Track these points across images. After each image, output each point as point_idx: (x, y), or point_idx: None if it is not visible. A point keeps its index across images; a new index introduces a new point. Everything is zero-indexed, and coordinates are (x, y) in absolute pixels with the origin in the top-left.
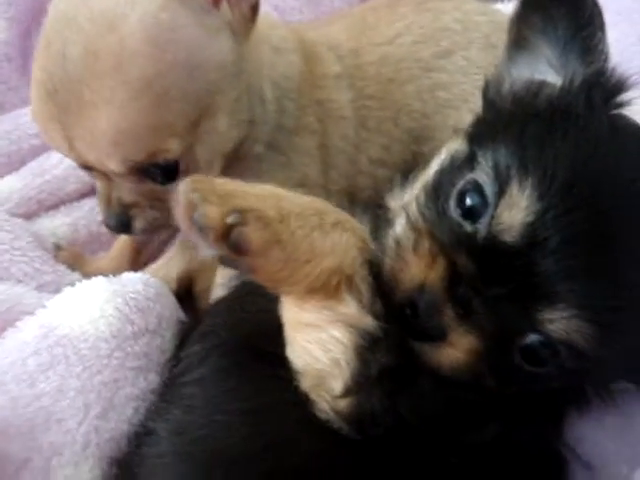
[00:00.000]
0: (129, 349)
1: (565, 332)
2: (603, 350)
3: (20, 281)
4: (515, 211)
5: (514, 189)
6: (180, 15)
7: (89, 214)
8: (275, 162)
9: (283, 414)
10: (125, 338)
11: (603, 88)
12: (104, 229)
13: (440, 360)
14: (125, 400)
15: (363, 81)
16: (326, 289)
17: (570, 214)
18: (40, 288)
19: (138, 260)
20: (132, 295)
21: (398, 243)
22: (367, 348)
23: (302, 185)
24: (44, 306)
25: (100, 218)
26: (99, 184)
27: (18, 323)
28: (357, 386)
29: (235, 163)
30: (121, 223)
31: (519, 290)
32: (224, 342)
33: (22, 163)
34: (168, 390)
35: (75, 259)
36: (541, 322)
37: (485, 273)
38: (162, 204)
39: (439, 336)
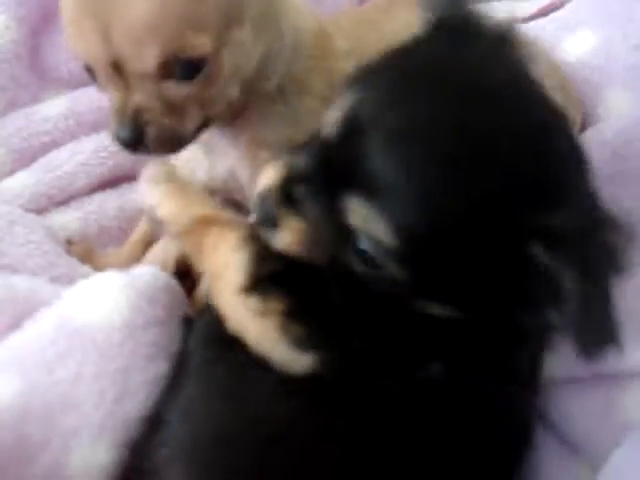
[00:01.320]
0: (140, 338)
1: (364, 224)
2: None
3: (36, 273)
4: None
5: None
6: None
7: (99, 209)
8: (285, 116)
9: (256, 391)
10: (136, 328)
11: None
12: (114, 224)
13: (279, 243)
14: (137, 386)
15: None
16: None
17: (392, 109)
18: (54, 280)
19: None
20: (142, 287)
21: None
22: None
23: None
24: (60, 298)
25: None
26: (114, 95)
27: (36, 314)
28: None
29: (248, 108)
30: (134, 133)
31: (335, 180)
32: (208, 335)
33: (33, 159)
34: (174, 379)
35: (86, 253)
36: (344, 212)
37: (313, 168)
38: (176, 113)
39: (272, 223)
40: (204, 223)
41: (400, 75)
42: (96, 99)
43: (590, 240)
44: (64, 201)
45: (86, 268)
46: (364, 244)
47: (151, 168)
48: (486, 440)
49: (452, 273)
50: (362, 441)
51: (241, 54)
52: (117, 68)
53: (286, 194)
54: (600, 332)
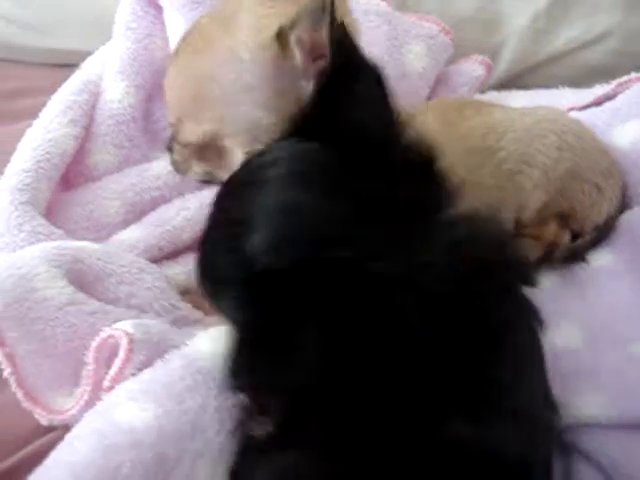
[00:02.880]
0: None
1: None
2: None
3: (160, 315)
4: None
5: None
6: None
7: None
8: None
9: None
10: None
11: None
12: None
13: None
14: None
15: None
16: None
17: None
18: (175, 321)
19: None
20: None
21: None
22: None
23: None
24: (184, 342)
25: None
26: None
27: (166, 355)
28: None
29: None
30: None
31: None
32: None
33: (143, 212)
34: None
35: (198, 301)
36: None
37: None
38: None
39: None
40: None
41: None
42: None
43: None
44: (172, 254)
45: (199, 313)
46: None
47: None
48: None
49: None
50: None
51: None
52: None
53: None
54: None
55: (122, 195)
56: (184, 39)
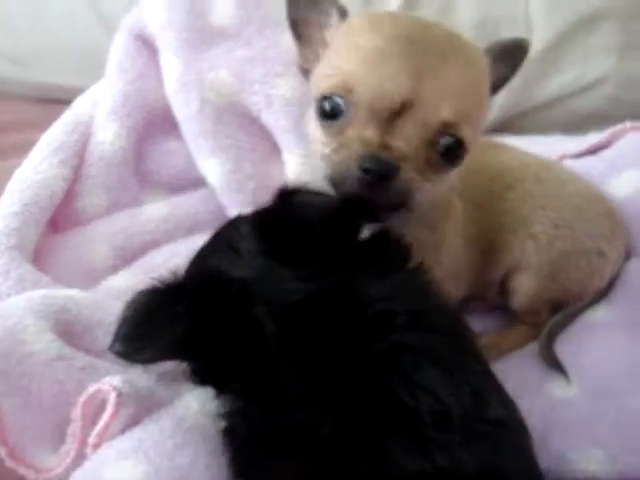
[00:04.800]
0: None
1: None
2: None
3: (148, 370)
4: None
5: None
6: None
7: None
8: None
9: None
10: None
11: None
12: None
13: None
14: None
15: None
16: None
17: None
18: (162, 376)
19: None
20: None
21: None
22: None
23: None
24: (172, 399)
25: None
26: (370, 132)
27: (155, 414)
28: None
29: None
30: (391, 168)
31: None
32: None
33: (133, 257)
34: None
35: None
36: None
37: None
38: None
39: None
40: None
41: None
42: (194, 206)
43: None
44: None
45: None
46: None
47: None
48: None
49: None
50: None
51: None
52: (396, 112)
53: None
54: None
55: (111, 239)
56: None
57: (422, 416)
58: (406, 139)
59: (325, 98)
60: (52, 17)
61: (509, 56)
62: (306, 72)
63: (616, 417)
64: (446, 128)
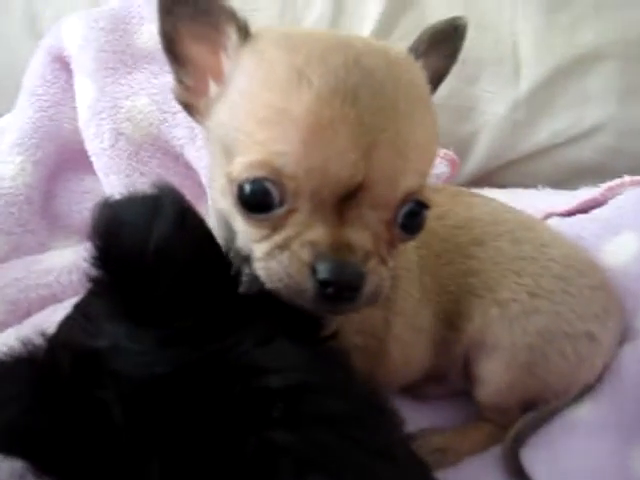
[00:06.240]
0: None
1: None
2: None
3: None
4: None
5: None
6: None
7: None
8: None
9: None
10: None
11: None
12: None
13: None
14: None
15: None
16: None
17: None
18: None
19: None
20: None
21: None
22: None
23: None
24: None
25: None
26: (324, 231)
27: None
28: None
29: None
30: (361, 277)
31: None
32: None
33: (28, 313)
34: None
35: None
36: None
37: None
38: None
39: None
40: None
41: None
42: None
43: None
44: None
45: None
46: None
47: None
48: None
49: None
50: None
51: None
52: (349, 196)
53: None
54: None
55: (2, 292)
56: None
57: None
58: (365, 227)
59: (248, 181)
60: None
61: (445, 42)
62: (189, 107)
63: None
64: (408, 197)
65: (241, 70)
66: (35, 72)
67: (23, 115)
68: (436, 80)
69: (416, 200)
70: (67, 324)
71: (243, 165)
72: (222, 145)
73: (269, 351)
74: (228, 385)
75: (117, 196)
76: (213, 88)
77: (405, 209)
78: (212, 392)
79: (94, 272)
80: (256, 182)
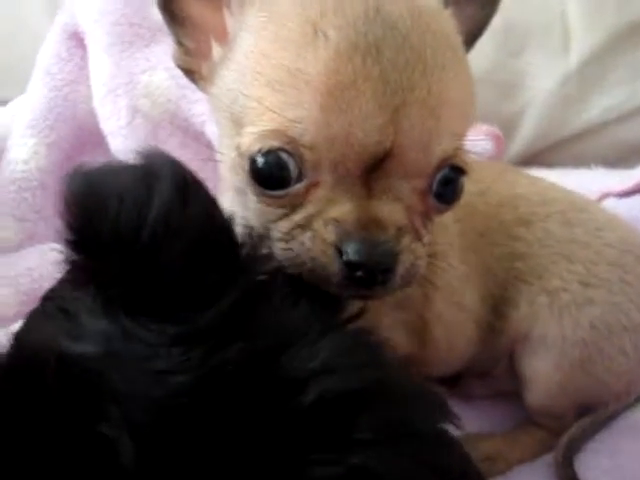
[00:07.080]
0: None
1: None
2: None
3: None
4: None
5: None
6: None
7: None
8: None
9: None
10: None
11: None
12: None
13: None
14: None
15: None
16: None
17: None
18: None
19: None
20: None
21: None
22: None
23: None
24: None
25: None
26: (350, 206)
27: None
28: None
29: None
30: (391, 258)
31: None
32: None
33: None
34: None
35: None
36: None
37: None
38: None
39: None
40: None
41: None
42: None
43: None
44: None
45: None
46: None
47: None
48: None
49: None
50: None
51: None
52: (376, 165)
53: None
54: None
55: (15, 282)
56: None
57: None
58: (396, 200)
59: (260, 153)
60: None
61: None
62: (191, 73)
63: None
64: (443, 162)
65: (247, 28)
66: (50, 50)
67: (37, 95)
68: (472, 35)
69: (452, 165)
70: (40, 322)
71: (254, 135)
72: (230, 114)
73: (316, 347)
74: (274, 398)
75: (94, 164)
76: (217, 50)
77: (440, 176)
78: (254, 409)
79: (71, 256)
80: (270, 154)
